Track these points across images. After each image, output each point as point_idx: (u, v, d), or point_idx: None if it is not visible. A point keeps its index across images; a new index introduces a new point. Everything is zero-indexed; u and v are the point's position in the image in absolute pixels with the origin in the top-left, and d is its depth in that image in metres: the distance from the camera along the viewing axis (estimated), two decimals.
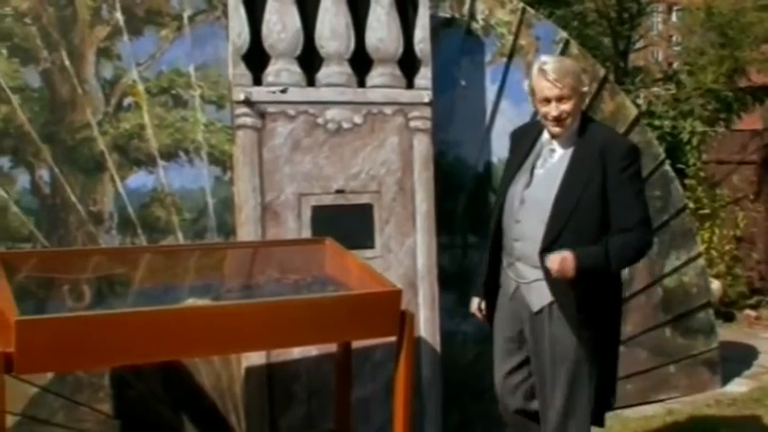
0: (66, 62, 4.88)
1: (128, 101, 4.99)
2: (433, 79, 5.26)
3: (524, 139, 4.22)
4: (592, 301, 3.97)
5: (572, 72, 4.00)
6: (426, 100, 5.23)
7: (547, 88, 3.96)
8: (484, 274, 4.34)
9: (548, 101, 3.97)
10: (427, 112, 5.24)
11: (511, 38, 5.97)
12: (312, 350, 4.90)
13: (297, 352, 4.89)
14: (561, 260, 3.82)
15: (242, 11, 4.85)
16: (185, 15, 5.12)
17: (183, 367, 4.91)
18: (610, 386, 4.25)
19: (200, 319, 3.89)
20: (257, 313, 3.97)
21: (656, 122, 9.82)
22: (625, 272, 6.20)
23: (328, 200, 5.02)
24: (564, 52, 6.09)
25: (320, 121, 5.01)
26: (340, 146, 5.06)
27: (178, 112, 5.07)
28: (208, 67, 5.12)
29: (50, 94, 4.85)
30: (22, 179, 4.77)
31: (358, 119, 5.09)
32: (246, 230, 4.85)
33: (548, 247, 3.91)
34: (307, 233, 4.95)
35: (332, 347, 4.74)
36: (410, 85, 5.23)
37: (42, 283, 4.33)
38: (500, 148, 5.62)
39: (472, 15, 5.89)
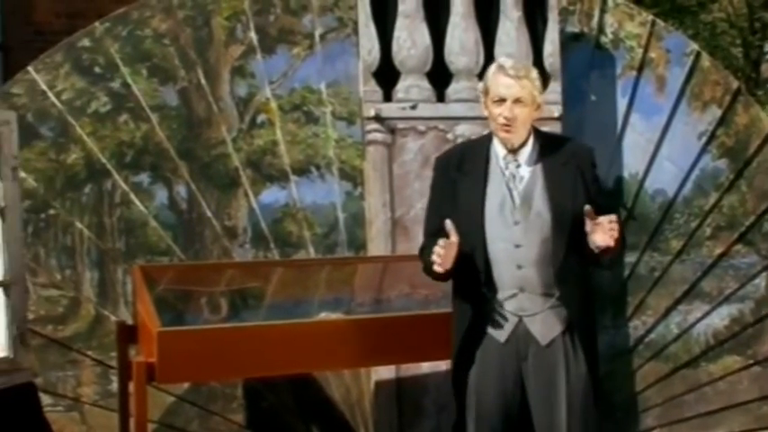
0: (203, 81, 5.03)
1: (261, 118, 5.10)
2: (563, 93, 5.21)
3: (474, 160, 3.66)
4: (593, 324, 3.68)
5: (533, 77, 3.59)
6: (556, 114, 5.17)
7: (504, 86, 3.50)
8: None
9: (503, 100, 3.50)
10: (557, 126, 5.18)
11: (641, 51, 5.84)
12: (441, 364, 4.87)
13: (426, 366, 4.89)
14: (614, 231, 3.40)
15: (372, 28, 4.92)
16: (317, 34, 5.21)
17: (314, 380, 4.98)
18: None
19: (332, 332, 3.96)
20: (388, 328, 4.02)
21: None
22: (761, 287, 6.01)
23: None
24: (695, 65, 5.93)
25: (450, 136, 5.02)
26: None
27: (310, 128, 5.15)
28: (339, 84, 5.20)
29: (187, 111, 5.00)
30: (161, 195, 4.93)
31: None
32: (377, 245, 4.90)
33: (559, 270, 3.50)
34: None
35: None
36: None
37: (180, 295, 4.47)
38: (631, 163, 5.60)
39: (601, 29, 5.81)
